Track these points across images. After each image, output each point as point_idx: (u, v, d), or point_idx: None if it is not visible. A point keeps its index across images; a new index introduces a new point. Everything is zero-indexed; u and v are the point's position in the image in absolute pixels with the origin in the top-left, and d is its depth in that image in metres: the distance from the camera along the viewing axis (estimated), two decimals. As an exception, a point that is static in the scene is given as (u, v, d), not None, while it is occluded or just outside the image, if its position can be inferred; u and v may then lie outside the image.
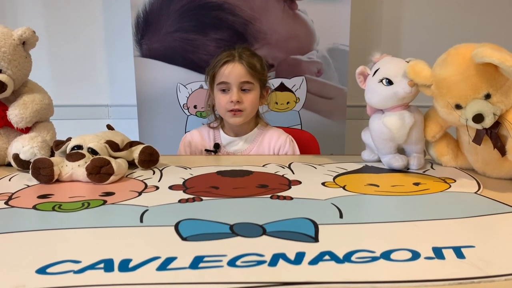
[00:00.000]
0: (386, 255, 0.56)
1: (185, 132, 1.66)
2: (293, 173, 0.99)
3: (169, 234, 0.64)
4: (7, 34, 1.02)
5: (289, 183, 0.90)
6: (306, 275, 0.52)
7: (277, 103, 1.69)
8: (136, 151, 1.02)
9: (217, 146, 1.28)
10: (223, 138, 1.30)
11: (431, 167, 1.04)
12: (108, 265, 0.54)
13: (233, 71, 1.21)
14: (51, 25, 1.91)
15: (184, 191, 0.85)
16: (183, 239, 0.62)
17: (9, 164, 1.04)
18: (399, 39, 1.98)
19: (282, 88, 1.69)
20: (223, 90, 1.23)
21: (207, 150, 1.27)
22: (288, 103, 1.71)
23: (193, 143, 1.31)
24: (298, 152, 1.30)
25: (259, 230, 0.65)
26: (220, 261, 0.55)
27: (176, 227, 0.66)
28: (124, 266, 0.54)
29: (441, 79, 0.89)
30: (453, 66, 0.87)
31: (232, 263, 0.55)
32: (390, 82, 0.97)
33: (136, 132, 1.69)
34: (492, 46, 0.82)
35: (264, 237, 0.63)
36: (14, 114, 1.02)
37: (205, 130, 1.34)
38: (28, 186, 0.90)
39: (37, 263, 0.55)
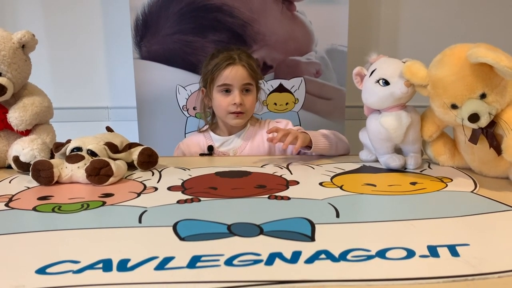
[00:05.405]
0: (381, 254, 0.57)
1: (185, 134, 1.67)
2: (291, 174, 0.99)
3: (167, 235, 0.64)
4: (6, 38, 1.03)
5: (287, 184, 0.91)
6: (302, 273, 0.53)
7: (276, 104, 1.70)
8: (135, 153, 1.03)
9: (210, 149, 1.29)
10: (215, 139, 1.31)
11: (429, 166, 1.05)
12: (106, 265, 0.55)
13: (236, 74, 1.22)
14: (51, 27, 1.92)
15: (183, 192, 0.86)
16: (181, 239, 0.63)
17: (9, 167, 1.05)
18: (397, 40, 1.98)
19: (281, 89, 1.69)
20: (225, 92, 1.24)
21: (201, 155, 1.28)
22: (287, 104, 1.71)
23: (186, 152, 1.32)
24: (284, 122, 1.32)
25: (256, 230, 0.65)
26: (217, 260, 0.56)
27: (174, 227, 0.67)
28: (123, 266, 0.55)
29: (437, 79, 0.90)
30: (448, 66, 0.88)
31: (229, 262, 0.55)
32: (386, 83, 0.98)
33: (136, 134, 1.70)
34: (486, 46, 0.82)
35: (261, 236, 0.63)
36: (14, 116, 1.03)
37: (196, 136, 1.35)
38: (28, 188, 0.91)
39: (36, 263, 0.55)
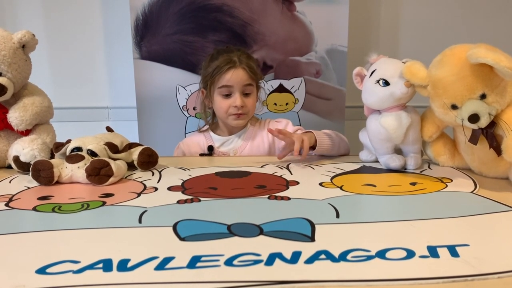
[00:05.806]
0: (381, 254, 0.57)
1: (185, 134, 1.67)
2: (291, 174, 0.99)
3: (167, 235, 0.64)
4: (6, 38, 1.03)
5: (287, 184, 0.91)
6: (302, 274, 0.53)
7: (276, 104, 1.70)
8: (135, 153, 1.03)
9: (211, 149, 1.29)
10: (215, 139, 1.32)
11: (429, 167, 1.05)
12: (107, 265, 0.55)
13: (237, 77, 1.22)
14: (51, 27, 1.92)
15: (183, 192, 0.86)
16: (181, 239, 0.63)
17: (9, 166, 1.05)
18: (397, 40, 1.98)
19: (281, 89, 1.69)
20: (225, 95, 1.24)
21: (202, 155, 1.28)
22: (287, 104, 1.71)
23: (186, 151, 1.33)
24: (284, 122, 1.32)
25: (256, 230, 0.65)
26: (217, 260, 0.56)
27: (174, 227, 0.67)
28: (123, 266, 0.55)
29: (437, 80, 0.90)
30: (448, 66, 0.88)
31: (229, 262, 0.55)
32: (386, 83, 0.98)
33: (136, 134, 1.70)
34: (486, 46, 0.82)
35: (261, 237, 0.63)
36: (14, 116, 1.03)
37: (196, 136, 1.35)
38: (28, 188, 0.91)
39: (37, 263, 0.55)
